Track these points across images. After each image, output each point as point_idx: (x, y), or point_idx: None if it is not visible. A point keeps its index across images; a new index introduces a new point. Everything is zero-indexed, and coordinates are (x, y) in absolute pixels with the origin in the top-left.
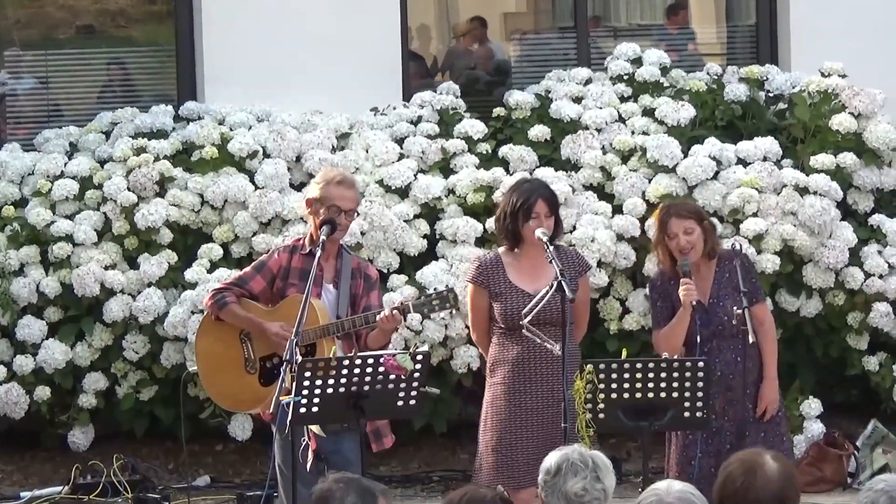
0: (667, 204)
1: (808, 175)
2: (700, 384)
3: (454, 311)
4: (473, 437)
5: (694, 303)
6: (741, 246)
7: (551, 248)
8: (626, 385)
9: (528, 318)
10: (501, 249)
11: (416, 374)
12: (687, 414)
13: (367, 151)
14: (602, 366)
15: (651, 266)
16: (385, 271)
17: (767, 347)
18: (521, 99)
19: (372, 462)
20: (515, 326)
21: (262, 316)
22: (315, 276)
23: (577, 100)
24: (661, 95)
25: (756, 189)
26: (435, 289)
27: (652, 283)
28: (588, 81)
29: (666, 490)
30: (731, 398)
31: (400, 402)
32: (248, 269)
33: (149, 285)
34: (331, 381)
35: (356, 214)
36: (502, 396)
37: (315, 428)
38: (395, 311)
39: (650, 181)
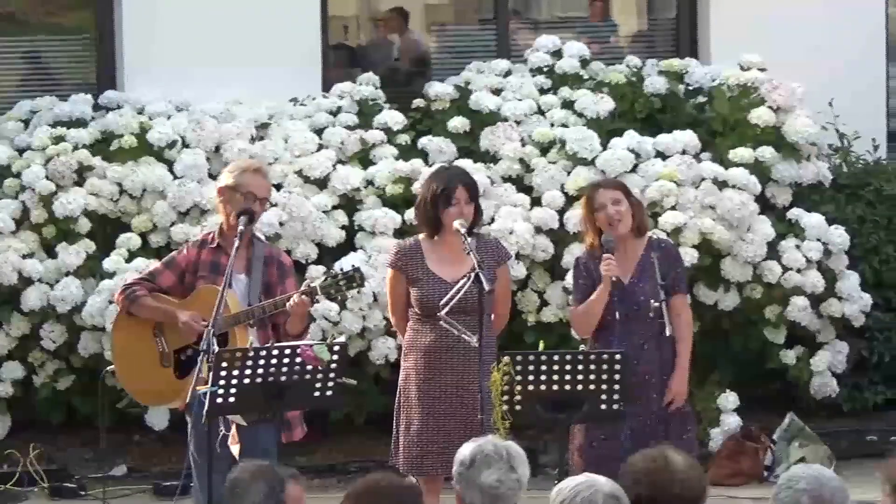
0: (591, 182)
1: (726, 169)
2: (616, 377)
3: (361, 292)
4: (391, 429)
5: (614, 279)
6: (668, 241)
7: (469, 239)
8: (544, 377)
9: (446, 310)
10: (421, 236)
11: (334, 366)
12: (603, 406)
13: (286, 142)
14: (519, 358)
15: (570, 258)
16: (304, 262)
17: (683, 340)
18: (440, 90)
19: (290, 453)
20: (431, 313)
21: (174, 307)
22: (226, 266)
23: (497, 92)
24: (581, 88)
25: (675, 182)
26: (341, 269)
27: (577, 260)
28: (508, 73)
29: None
30: (633, 383)
31: (317, 393)
32: (157, 264)
33: (67, 274)
34: (248, 372)
35: (269, 204)
36: (412, 383)
37: (237, 417)
38: (303, 295)
39: (569, 174)
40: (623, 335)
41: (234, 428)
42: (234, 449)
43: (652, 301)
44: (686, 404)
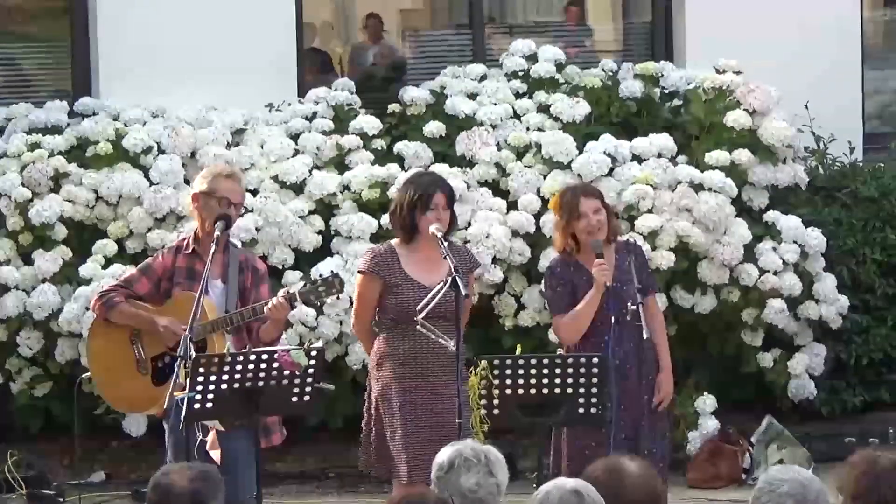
0: (569, 186)
1: (702, 172)
2: (595, 380)
3: (339, 297)
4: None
5: (608, 283)
6: (635, 242)
7: (445, 244)
8: (521, 381)
9: (423, 314)
10: (395, 241)
11: (311, 370)
12: (581, 410)
13: (262, 147)
14: (497, 362)
15: (546, 262)
16: (280, 267)
17: (662, 339)
18: (416, 95)
19: (267, 458)
20: (408, 319)
21: (152, 313)
22: (202, 272)
23: (473, 96)
24: (557, 92)
25: (651, 185)
26: (321, 275)
27: (550, 269)
28: (483, 78)
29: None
30: (627, 388)
31: (294, 399)
32: (133, 271)
33: (43, 281)
34: (225, 377)
35: (244, 209)
36: (393, 390)
37: (215, 423)
38: (282, 300)
39: (545, 178)
40: (620, 338)
41: (212, 434)
42: (215, 454)
43: (629, 304)
44: (663, 409)
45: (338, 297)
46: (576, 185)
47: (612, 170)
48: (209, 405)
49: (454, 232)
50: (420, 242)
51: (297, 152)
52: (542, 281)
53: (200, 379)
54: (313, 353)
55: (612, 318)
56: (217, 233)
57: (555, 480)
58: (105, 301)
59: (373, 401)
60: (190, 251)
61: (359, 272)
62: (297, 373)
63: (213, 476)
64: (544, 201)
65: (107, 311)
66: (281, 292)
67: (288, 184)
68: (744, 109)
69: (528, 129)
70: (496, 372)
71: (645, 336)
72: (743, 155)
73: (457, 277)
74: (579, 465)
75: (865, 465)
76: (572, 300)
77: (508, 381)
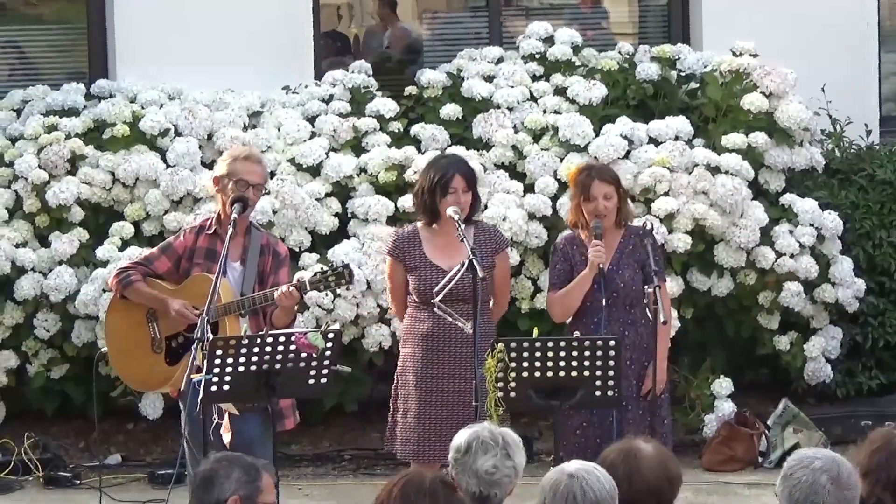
0: (588, 165)
1: (719, 154)
2: (611, 363)
3: (350, 287)
4: (384, 416)
5: (602, 266)
6: (652, 225)
7: (463, 226)
8: (538, 364)
9: (440, 297)
10: (419, 224)
11: (328, 353)
12: (598, 393)
13: (278, 130)
14: (513, 344)
15: None
16: (297, 250)
17: (665, 328)
18: (432, 78)
19: (283, 441)
20: (427, 301)
21: (167, 294)
22: (223, 254)
23: (489, 79)
24: (573, 74)
25: (667, 168)
26: (331, 265)
27: (556, 244)
28: (500, 60)
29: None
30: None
31: (311, 381)
32: (154, 249)
33: (60, 263)
34: (242, 360)
35: (265, 191)
36: (410, 370)
37: (228, 406)
38: (291, 288)
39: (562, 160)
40: (608, 321)
41: (226, 417)
42: (226, 437)
43: (646, 287)
44: (664, 392)
45: (347, 288)
46: (595, 165)
47: (628, 152)
48: (226, 387)
49: (478, 213)
50: (442, 226)
51: (313, 135)
52: None
53: (217, 361)
54: (330, 335)
55: (603, 300)
56: (234, 215)
57: (559, 466)
58: (122, 278)
59: (396, 378)
60: (211, 232)
61: (385, 255)
62: (313, 355)
63: (237, 459)
64: (561, 184)
65: (123, 289)
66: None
67: (304, 166)
68: (760, 92)
69: (544, 111)
70: (513, 354)
71: (661, 320)
72: (759, 138)
73: (474, 260)
74: (574, 445)
75: (880, 443)
76: (568, 278)
77: (525, 364)
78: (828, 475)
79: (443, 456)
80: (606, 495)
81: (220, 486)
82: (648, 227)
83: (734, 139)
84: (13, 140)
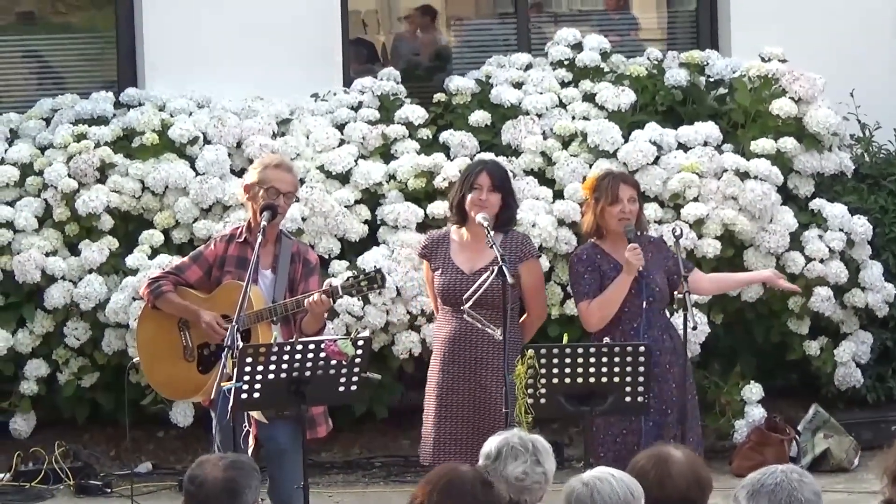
0: (609, 171)
1: (748, 160)
2: (641, 368)
3: (381, 292)
4: (414, 423)
5: (641, 268)
6: (682, 231)
7: (492, 233)
8: (568, 370)
9: (469, 303)
10: (453, 227)
11: (358, 360)
12: (628, 399)
13: (307, 137)
14: (543, 351)
15: None
16: (326, 257)
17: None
18: (461, 84)
19: (312, 448)
20: (450, 303)
21: (198, 303)
22: (252, 262)
23: (518, 85)
24: (602, 81)
25: (697, 174)
26: (363, 270)
27: (577, 255)
28: (528, 67)
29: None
30: (656, 374)
31: (341, 388)
32: (185, 258)
33: (90, 272)
34: (272, 367)
35: (295, 199)
36: (435, 373)
37: (256, 414)
38: (322, 295)
39: (591, 166)
40: (647, 325)
41: (254, 425)
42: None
43: (675, 293)
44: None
45: (379, 293)
46: (615, 171)
47: (657, 158)
48: (256, 395)
49: (514, 222)
50: (471, 229)
51: (342, 142)
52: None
53: (248, 369)
54: (360, 342)
55: (643, 302)
56: (263, 223)
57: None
58: (153, 289)
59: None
60: (242, 240)
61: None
62: (343, 362)
63: (247, 464)
64: None
65: (154, 300)
66: (324, 284)
67: (334, 173)
68: (789, 97)
69: (573, 117)
70: (543, 361)
71: (691, 325)
72: (788, 143)
73: (504, 266)
74: (613, 452)
75: None
76: (599, 285)
77: (555, 371)
78: (796, 472)
79: (458, 460)
80: (619, 501)
81: (244, 495)
82: (678, 231)
83: (763, 144)
84: (42, 149)
